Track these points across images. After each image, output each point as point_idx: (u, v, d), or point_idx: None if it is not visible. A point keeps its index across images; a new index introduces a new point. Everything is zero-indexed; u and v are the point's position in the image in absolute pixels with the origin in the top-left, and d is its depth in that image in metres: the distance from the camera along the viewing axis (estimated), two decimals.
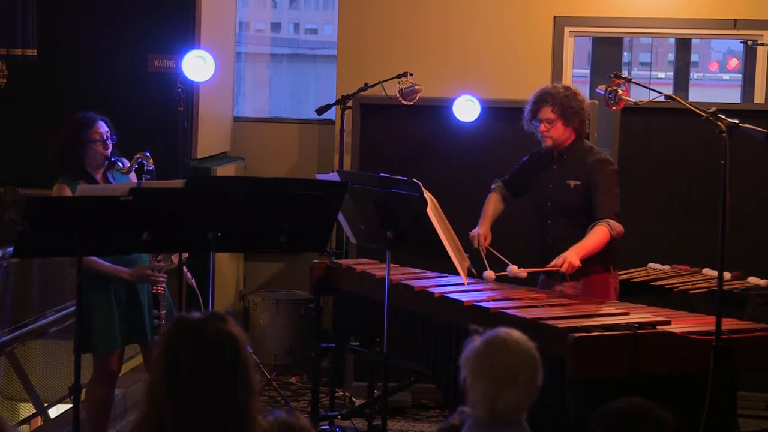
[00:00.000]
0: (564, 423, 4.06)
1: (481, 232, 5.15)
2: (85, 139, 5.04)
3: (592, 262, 4.97)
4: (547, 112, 5.03)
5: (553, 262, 4.87)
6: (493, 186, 5.40)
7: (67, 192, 4.94)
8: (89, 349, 5.03)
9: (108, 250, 4.70)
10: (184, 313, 2.66)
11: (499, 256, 5.01)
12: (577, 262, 4.82)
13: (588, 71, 13.44)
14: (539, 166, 5.19)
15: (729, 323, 4.32)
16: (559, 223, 5.09)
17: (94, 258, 4.88)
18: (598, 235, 4.90)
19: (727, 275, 5.14)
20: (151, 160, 4.99)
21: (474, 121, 6.33)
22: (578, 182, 5.02)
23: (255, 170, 7.86)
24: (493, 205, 5.33)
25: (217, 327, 2.59)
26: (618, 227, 4.92)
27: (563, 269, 4.82)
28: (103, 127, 5.07)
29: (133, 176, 5.06)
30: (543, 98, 5.06)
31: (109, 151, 5.06)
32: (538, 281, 5.20)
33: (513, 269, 4.89)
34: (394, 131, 6.57)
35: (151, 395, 2.58)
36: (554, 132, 5.04)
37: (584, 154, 5.08)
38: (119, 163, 5.03)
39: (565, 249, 4.92)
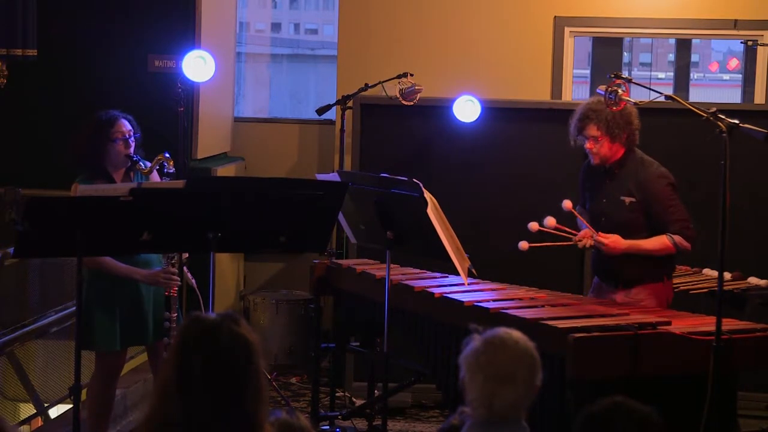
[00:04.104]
0: (564, 423, 4.06)
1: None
2: (106, 137, 5.02)
3: (647, 272, 4.92)
4: (592, 130, 4.91)
5: (604, 236, 4.85)
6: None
7: None
8: (89, 346, 5.04)
9: (108, 250, 4.70)
10: (200, 313, 2.66)
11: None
12: (617, 251, 4.82)
13: (588, 71, 13.46)
14: (592, 178, 5.10)
15: (729, 323, 4.32)
16: None
17: (109, 258, 4.90)
18: (656, 242, 4.85)
19: (727, 275, 5.13)
20: (172, 162, 4.99)
21: (474, 121, 6.33)
22: (633, 199, 4.91)
23: (255, 170, 7.86)
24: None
25: (231, 330, 2.59)
26: (684, 243, 4.84)
27: (604, 242, 4.82)
28: (125, 126, 5.06)
29: (155, 177, 5.06)
30: (587, 115, 4.93)
31: (131, 150, 5.05)
32: (592, 286, 5.18)
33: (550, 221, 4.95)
34: (394, 131, 6.57)
35: (161, 393, 2.58)
36: (601, 150, 4.93)
37: (636, 168, 4.95)
38: (141, 164, 5.02)
39: (617, 262, 4.90)
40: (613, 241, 4.85)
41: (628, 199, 4.93)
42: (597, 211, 5.04)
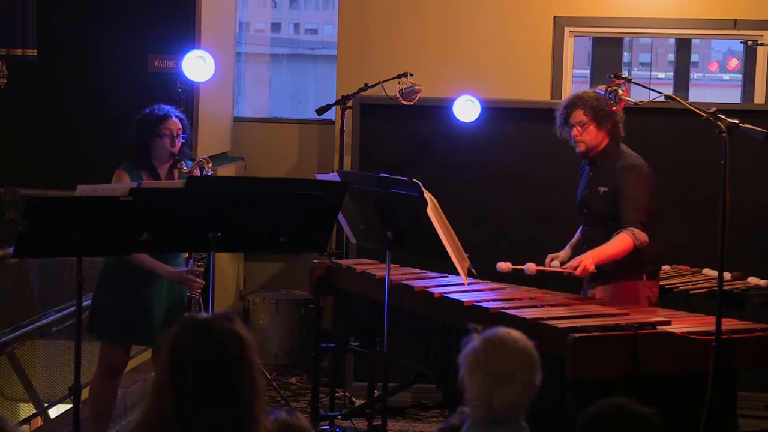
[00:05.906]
0: (564, 423, 4.06)
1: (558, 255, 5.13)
2: (154, 132, 5.06)
3: (623, 268, 4.90)
4: (579, 116, 4.97)
5: (568, 264, 4.83)
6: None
7: (126, 179, 4.99)
8: (96, 332, 5.08)
9: (108, 250, 4.70)
10: (193, 314, 2.69)
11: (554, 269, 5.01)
12: (591, 267, 4.72)
13: (588, 71, 13.45)
14: (582, 175, 5.16)
15: (729, 323, 4.32)
16: (594, 230, 5.02)
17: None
18: (618, 243, 4.79)
19: (727, 275, 5.14)
20: (210, 165, 5.02)
21: (474, 121, 6.33)
22: (606, 188, 4.95)
23: (255, 170, 7.86)
24: (576, 236, 5.25)
25: (223, 326, 2.61)
26: (642, 236, 4.79)
27: (577, 272, 4.75)
28: (175, 124, 5.08)
29: None
30: (574, 102, 5.01)
31: (177, 148, 5.07)
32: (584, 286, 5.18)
33: (530, 266, 4.86)
34: (394, 131, 6.57)
35: (157, 389, 2.59)
36: (587, 136, 4.97)
37: (616, 158, 4.99)
38: (184, 164, 5.04)
39: None
40: (579, 264, 4.75)
41: (602, 189, 4.98)
42: (581, 204, 5.09)
